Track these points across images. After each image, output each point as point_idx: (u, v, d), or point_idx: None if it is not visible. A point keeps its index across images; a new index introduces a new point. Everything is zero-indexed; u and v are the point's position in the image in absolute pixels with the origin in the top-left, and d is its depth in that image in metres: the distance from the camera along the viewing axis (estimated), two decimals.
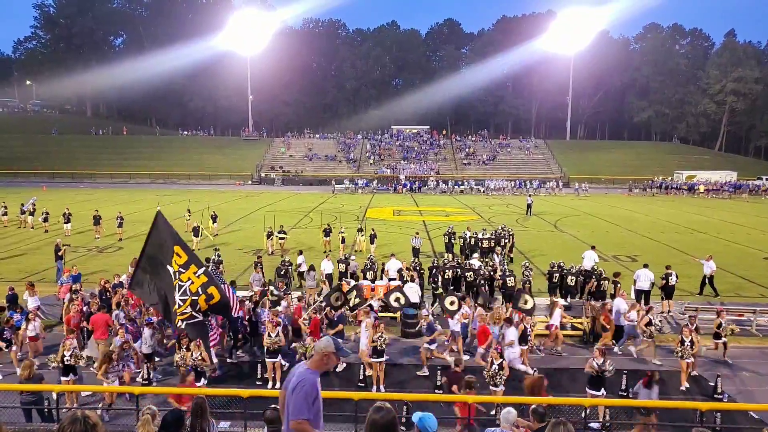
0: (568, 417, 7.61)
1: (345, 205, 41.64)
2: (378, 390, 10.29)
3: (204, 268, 7.80)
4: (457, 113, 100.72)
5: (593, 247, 18.38)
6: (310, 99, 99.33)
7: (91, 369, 10.47)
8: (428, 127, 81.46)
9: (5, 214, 29.87)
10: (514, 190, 57.13)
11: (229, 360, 11.83)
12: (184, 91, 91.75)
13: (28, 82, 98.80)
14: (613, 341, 12.62)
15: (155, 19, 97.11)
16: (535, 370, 10.92)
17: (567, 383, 10.75)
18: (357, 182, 58.83)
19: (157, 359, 11.32)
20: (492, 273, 15.90)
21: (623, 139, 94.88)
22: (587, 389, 9.42)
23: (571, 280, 15.42)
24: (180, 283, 7.55)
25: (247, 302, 12.51)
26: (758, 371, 11.57)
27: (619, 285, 14.50)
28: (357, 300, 12.52)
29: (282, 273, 15.86)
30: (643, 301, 14.78)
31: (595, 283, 15.03)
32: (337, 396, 8.45)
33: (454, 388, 8.91)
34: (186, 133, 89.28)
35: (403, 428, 7.96)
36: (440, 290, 15.18)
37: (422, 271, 16.37)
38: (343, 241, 21.95)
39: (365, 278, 15.79)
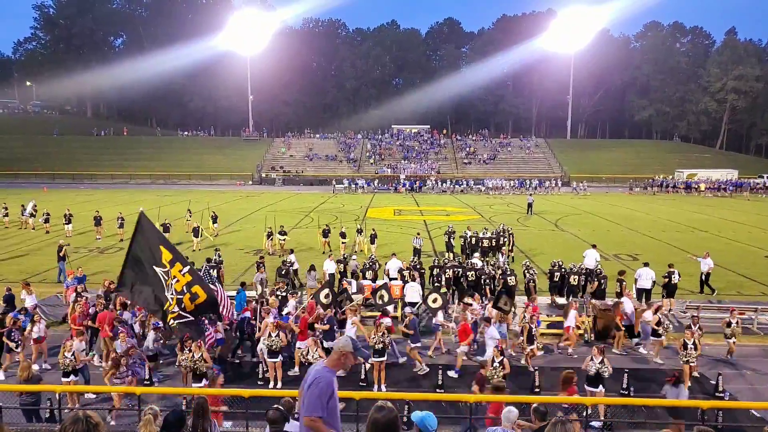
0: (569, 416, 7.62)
1: (346, 205, 41.66)
2: (379, 389, 10.30)
3: (189, 267, 7.80)
4: (457, 112, 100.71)
5: (594, 246, 18.37)
6: (311, 99, 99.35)
7: (98, 365, 10.50)
8: (428, 126, 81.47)
9: (6, 215, 29.91)
10: (513, 189, 57.09)
11: (229, 359, 11.85)
12: (185, 91, 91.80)
13: (28, 83, 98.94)
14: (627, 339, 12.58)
15: (155, 19, 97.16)
16: (536, 369, 10.93)
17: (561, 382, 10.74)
18: (357, 182, 58.84)
19: (161, 360, 11.36)
20: (497, 272, 15.86)
21: (624, 137, 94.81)
22: (586, 386, 9.47)
23: (574, 279, 15.41)
24: (170, 281, 7.57)
25: (253, 303, 12.54)
26: (759, 369, 11.56)
27: (624, 283, 14.50)
28: (347, 301, 12.61)
29: (283, 273, 15.87)
30: (644, 300, 14.80)
31: (596, 283, 15.02)
32: (338, 395, 8.44)
33: (475, 388, 8.91)
34: (186, 133, 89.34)
35: (404, 427, 7.96)
36: (443, 290, 15.21)
37: (423, 271, 16.38)
38: (343, 237, 21.90)
39: (365, 278, 15.80)
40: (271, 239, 22.30)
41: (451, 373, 11.06)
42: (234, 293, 14.41)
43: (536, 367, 11.06)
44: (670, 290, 15.26)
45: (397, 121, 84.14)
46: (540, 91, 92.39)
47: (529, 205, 36.91)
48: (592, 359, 9.61)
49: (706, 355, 12.03)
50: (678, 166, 66.16)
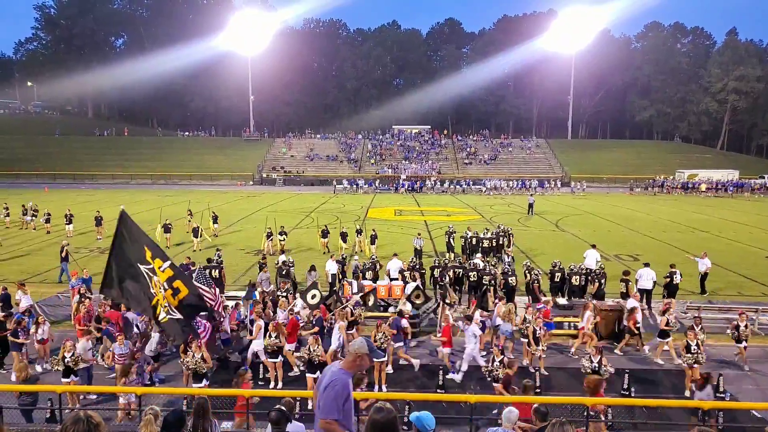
0: (572, 416, 7.61)
1: (346, 205, 41.67)
2: (380, 389, 10.30)
3: (169, 262, 7.78)
4: (458, 113, 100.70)
5: (594, 246, 18.38)
6: (311, 99, 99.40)
7: (101, 362, 10.51)
8: (429, 126, 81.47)
9: (7, 215, 29.95)
10: (512, 189, 57.08)
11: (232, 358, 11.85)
12: (185, 91, 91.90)
13: (29, 84, 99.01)
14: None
15: (156, 19, 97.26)
16: (537, 369, 10.94)
17: (569, 382, 10.74)
18: (357, 182, 58.87)
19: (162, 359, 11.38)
20: (503, 273, 15.81)
21: (625, 138, 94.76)
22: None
23: (575, 280, 15.40)
24: (155, 278, 7.57)
25: (259, 303, 12.58)
26: (760, 370, 11.55)
27: (630, 283, 14.45)
28: (338, 304, 12.59)
29: (284, 273, 15.86)
30: (644, 301, 14.79)
31: (596, 283, 15.03)
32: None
33: (499, 388, 8.92)
34: (187, 133, 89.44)
35: (404, 428, 7.96)
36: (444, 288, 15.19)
37: (423, 271, 16.39)
38: (344, 237, 21.88)
39: (365, 278, 15.79)
40: (271, 239, 22.29)
41: (456, 377, 11.00)
42: (235, 293, 14.44)
43: (537, 368, 11.07)
44: (671, 290, 15.25)
45: (397, 121, 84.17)
46: (541, 91, 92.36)
47: (530, 206, 36.91)
48: (590, 359, 9.63)
49: (707, 355, 12.02)
50: (679, 166, 66.13)
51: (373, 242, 21.56)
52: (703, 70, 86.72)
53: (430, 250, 23.23)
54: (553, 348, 12.62)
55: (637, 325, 12.45)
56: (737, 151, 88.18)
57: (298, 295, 13.48)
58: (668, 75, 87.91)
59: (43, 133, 78.99)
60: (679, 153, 75.70)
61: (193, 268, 15.65)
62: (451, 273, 15.80)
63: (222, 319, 11.89)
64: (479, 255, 18.93)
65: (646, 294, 15.03)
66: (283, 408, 5.99)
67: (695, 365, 10.26)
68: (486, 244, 20.87)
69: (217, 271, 15.73)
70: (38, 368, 11.22)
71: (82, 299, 12.49)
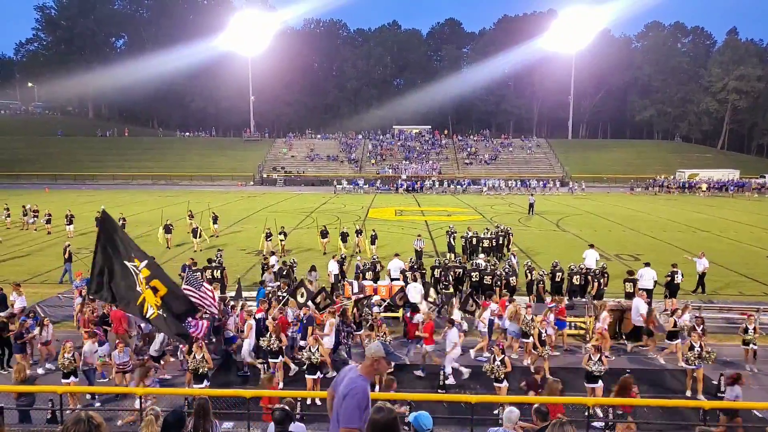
0: (572, 416, 7.62)
1: (347, 205, 41.67)
2: (380, 390, 10.29)
3: (147, 261, 7.80)
4: (458, 113, 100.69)
5: (592, 246, 18.39)
6: (312, 99, 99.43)
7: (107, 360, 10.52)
8: (430, 126, 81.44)
9: (8, 216, 29.97)
10: (511, 189, 57.04)
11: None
12: (186, 92, 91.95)
13: (29, 84, 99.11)
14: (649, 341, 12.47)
15: (156, 20, 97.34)
16: (539, 370, 10.91)
17: (570, 382, 10.73)
18: (357, 182, 58.88)
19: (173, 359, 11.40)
20: (509, 273, 15.78)
21: (625, 137, 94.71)
22: (585, 384, 9.51)
23: (576, 280, 15.40)
24: (140, 276, 7.59)
25: (265, 303, 12.59)
26: (762, 369, 11.54)
27: (636, 284, 14.43)
28: (327, 301, 12.59)
29: (284, 274, 15.86)
30: None
31: (596, 283, 15.04)
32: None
33: (530, 392, 8.94)
34: (187, 134, 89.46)
35: (405, 428, 7.96)
36: (450, 290, 15.22)
37: (424, 271, 16.39)
38: (344, 238, 21.87)
39: (365, 278, 15.78)
40: (270, 240, 22.28)
41: (449, 379, 11.00)
42: (246, 293, 14.44)
43: (538, 368, 11.05)
44: (672, 290, 15.26)
45: (398, 121, 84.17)
46: (541, 91, 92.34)
47: (531, 206, 36.92)
48: (590, 358, 9.64)
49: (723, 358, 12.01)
50: (679, 166, 66.10)
51: (373, 242, 21.55)
52: (704, 70, 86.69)
53: (431, 250, 23.22)
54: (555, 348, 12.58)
55: (636, 323, 12.47)
56: (738, 150, 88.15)
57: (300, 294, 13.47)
58: (668, 75, 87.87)
59: (44, 133, 79.05)
60: (679, 153, 75.66)
61: (194, 269, 15.71)
62: (451, 273, 15.80)
63: (226, 318, 11.89)
64: (482, 255, 18.93)
65: (646, 294, 15.01)
66: (286, 407, 5.99)
67: (700, 367, 10.21)
68: (486, 244, 20.89)
69: (218, 271, 15.74)
70: (40, 370, 11.23)
71: (86, 300, 12.49)
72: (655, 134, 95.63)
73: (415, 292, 14.42)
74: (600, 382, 9.45)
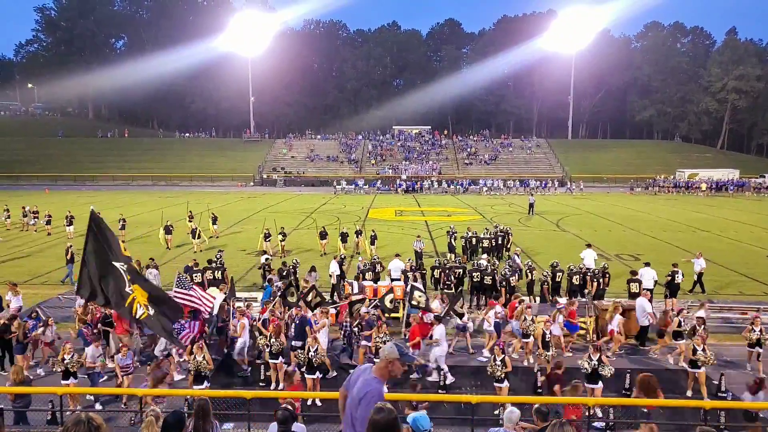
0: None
1: (347, 206, 41.68)
2: None
3: (127, 265, 7.80)
4: (458, 113, 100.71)
5: (589, 245, 18.41)
6: (312, 100, 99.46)
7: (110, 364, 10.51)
8: (429, 127, 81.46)
9: (8, 217, 29.97)
10: (509, 189, 57.00)
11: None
12: (186, 93, 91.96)
13: (29, 85, 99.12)
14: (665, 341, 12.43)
15: (156, 21, 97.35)
16: (539, 370, 10.90)
17: (569, 382, 10.72)
18: (357, 183, 58.87)
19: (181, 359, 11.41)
20: (508, 273, 15.75)
21: (625, 138, 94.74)
22: (585, 384, 9.52)
23: (576, 280, 15.40)
24: (128, 276, 7.59)
25: (270, 304, 12.59)
26: (761, 369, 11.52)
27: (640, 283, 14.43)
28: (318, 299, 12.59)
29: (284, 274, 15.86)
30: None
31: (595, 283, 15.05)
32: (337, 396, 8.44)
33: (556, 389, 8.94)
34: (188, 134, 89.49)
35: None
36: (452, 290, 15.21)
37: (424, 272, 16.39)
38: (344, 238, 21.86)
39: (365, 278, 15.78)
40: (269, 240, 22.27)
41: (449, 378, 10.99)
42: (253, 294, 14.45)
43: (539, 368, 11.05)
44: (673, 289, 15.26)
45: (398, 121, 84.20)
46: (541, 91, 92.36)
47: (531, 206, 36.92)
48: (589, 357, 9.65)
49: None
50: (679, 166, 66.13)
51: (372, 243, 21.53)
52: (703, 70, 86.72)
53: (431, 250, 23.21)
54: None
55: (642, 324, 12.46)
56: (737, 150, 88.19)
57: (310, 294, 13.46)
58: (668, 75, 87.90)
59: (44, 134, 79.06)
60: (679, 152, 75.70)
61: (196, 269, 15.73)
62: (452, 274, 15.80)
63: (230, 319, 11.88)
64: (484, 256, 18.92)
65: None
66: (289, 407, 5.98)
67: (703, 368, 10.16)
68: (486, 244, 20.90)
69: (219, 272, 15.74)
70: (40, 371, 11.23)
71: (87, 304, 12.48)
72: (655, 134, 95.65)
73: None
74: (600, 383, 9.44)
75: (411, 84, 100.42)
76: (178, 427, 4.91)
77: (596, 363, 9.48)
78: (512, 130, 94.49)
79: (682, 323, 11.76)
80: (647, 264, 15.81)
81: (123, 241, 24.47)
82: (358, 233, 23.40)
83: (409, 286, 13.25)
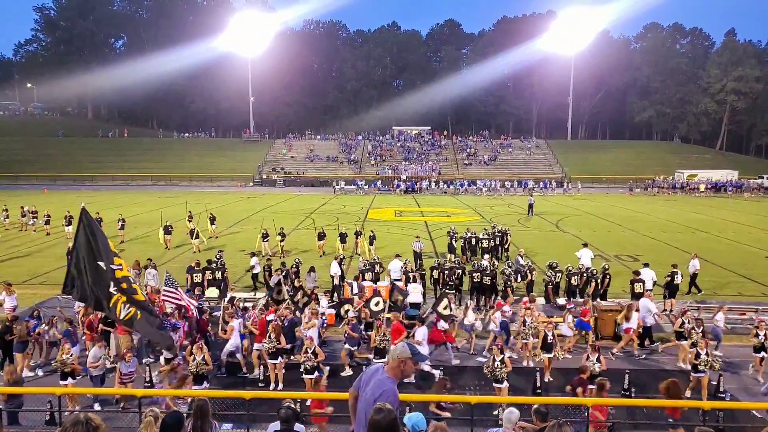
0: (571, 417, 7.61)
1: (347, 206, 41.67)
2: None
3: (113, 266, 7.76)
4: (458, 114, 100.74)
5: (585, 245, 18.44)
6: (311, 100, 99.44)
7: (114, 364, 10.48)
8: (429, 127, 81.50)
9: (7, 217, 29.93)
10: (507, 190, 57.01)
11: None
12: (185, 93, 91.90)
13: (29, 85, 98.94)
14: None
15: (156, 21, 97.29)
16: (538, 370, 10.90)
17: (568, 383, 10.72)
18: (358, 183, 58.86)
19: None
20: (509, 274, 15.76)
21: (624, 138, 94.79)
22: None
23: (575, 280, 15.41)
24: (118, 276, 7.54)
25: (274, 304, 12.61)
26: (762, 372, 11.52)
27: (644, 283, 14.44)
28: (305, 299, 12.58)
29: (283, 275, 15.84)
30: None
31: (593, 283, 15.05)
32: (337, 397, 8.45)
33: (579, 391, 8.94)
34: (187, 135, 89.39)
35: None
36: (454, 290, 15.23)
37: (424, 272, 16.39)
38: (342, 239, 21.85)
39: (364, 279, 15.78)
40: (267, 241, 22.24)
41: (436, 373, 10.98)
42: (238, 294, 14.43)
43: (538, 368, 11.05)
44: (672, 290, 15.27)
45: (397, 122, 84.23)
46: (540, 92, 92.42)
47: (530, 206, 36.93)
48: (588, 358, 9.65)
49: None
50: (678, 167, 66.17)
51: (371, 243, 21.51)
52: (702, 71, 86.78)
53: (431, 251, 23.20)
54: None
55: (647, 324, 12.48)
56: (736, 151, 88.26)
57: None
58: (667, 76, 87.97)
59: (43, 134, 78.96)
60: (678, 153, 75.75)
61: (197, 269, 15.72)
62: (449, 274, 15.80)
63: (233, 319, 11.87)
64: (486, 256, 18.92)
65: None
66: (292, 406, 5.96)
67: (706, 373, 10.14)
68: (485, 244, 20.90)
69: (219, 272, 15.72)
70: (40, 372, 11.22)
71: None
72: (654, 135, 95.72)
73: (415, 293, 14.45)
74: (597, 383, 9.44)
75: (411, 84, 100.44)
76: (176, 427, 4.89)
77: (594, 362, 9.52)
78: (512, 131, 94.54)
79: (686, 324, 11.76)
80: (646, 264, 15.84)
81: (122, 241, 24.69)
82: (358, 234, 23.36)
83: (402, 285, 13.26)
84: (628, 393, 10.22)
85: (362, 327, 12.00)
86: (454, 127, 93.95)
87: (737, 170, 63.55)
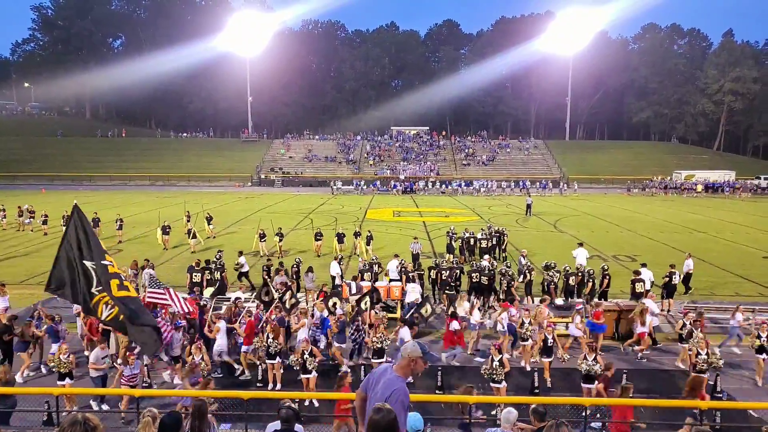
0: (569, 417, 7.62)
1: (345, 206, 41.66)
2: None
3: (99, 266, 7.73)
4: (456, 114, 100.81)
5: (581, 244, 18.47)
6: (310, 100, 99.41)
7: (115, 364, 10.43)
8: (428, 128, 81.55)
9: (4, 217, 29.85)
10: (504, 190, 57.09)
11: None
12: (184, 92, 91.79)
13: (26, 85, 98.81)
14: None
15: (154, 20, 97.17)
16: (536, 370, 10.90)
17: (569, 383, 10.74)
18: (357, 183, 58.87)
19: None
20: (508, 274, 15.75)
21: (622, 139, 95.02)
22: (582, 383, 9.53)
23: (572, 280, 15.42)
24: (111, 272, 7.50)
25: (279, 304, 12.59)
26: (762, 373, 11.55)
27: (644, 283, 14.45)
28: (293, 300, 12.57)
29: (265, 273, 15.79)
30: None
31: (590, 283, 15.06)
32: (336, 397, 8.45)
33: (600, 387, 9.05)
34: (185, 134, 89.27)
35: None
36: (453, 291, 15.21)
37: (422, 272, 16.39)
38: (340, 239, 21.82)
39: (363, 279, 15.77)
40: (264, 241, 22.20)
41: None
42: (235, 295, 14.40)
43: (536, 369, 11.06)
44: (669, 290, 15.29)
45: (396, 122, 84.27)
46: (538, 92, 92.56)
47: (528, 207, 36.97)
48: (585, 357, 9.66)
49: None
50: (676, 167, 66.33)
51: (368, 243, 21.49)
52: (700, 72, 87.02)
53: (429, 251, 23.20)
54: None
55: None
56: (734, 152, 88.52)
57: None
58: (665, 76, 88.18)
59: (41, 134, 78.73)
60: (676, 154, 75.93)
61: (197, 269, 15.68)
62: (449, 274, 15.79)
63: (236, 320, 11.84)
64: (486, 256, 18.93)
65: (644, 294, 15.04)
66: (293, 406, 5.95)
67: (708, 372, 10.14)
68: (484, 244, 20.91)
69: (218, 273, 15.69)
70: (44, 369, 11.19)
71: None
72: (652, 135, 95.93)
73: (413, 292, 14.43)
74: (596, 382, 9.46)
75: (409, 85, 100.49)
76: (175, 427, 4.89)
77: (592, 363, 9.52)
78: (510, 131, 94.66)
79: (687, 325, 11.76)
80: (644, 265, 15.86)
81: (120, 241, 24.64)
82: (357, 234, 23.35)
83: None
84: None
85: (366, 327, 11.97)
86: (453, 128, 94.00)
87: (734, 171, 63.77)
